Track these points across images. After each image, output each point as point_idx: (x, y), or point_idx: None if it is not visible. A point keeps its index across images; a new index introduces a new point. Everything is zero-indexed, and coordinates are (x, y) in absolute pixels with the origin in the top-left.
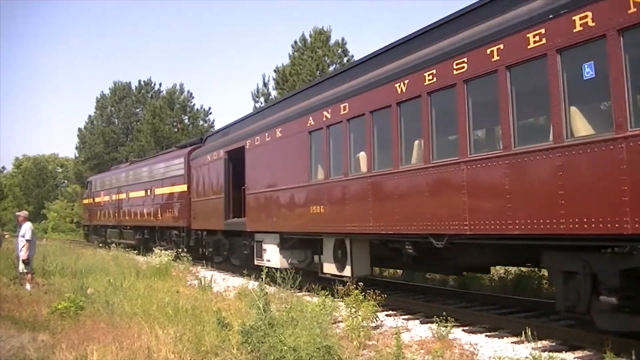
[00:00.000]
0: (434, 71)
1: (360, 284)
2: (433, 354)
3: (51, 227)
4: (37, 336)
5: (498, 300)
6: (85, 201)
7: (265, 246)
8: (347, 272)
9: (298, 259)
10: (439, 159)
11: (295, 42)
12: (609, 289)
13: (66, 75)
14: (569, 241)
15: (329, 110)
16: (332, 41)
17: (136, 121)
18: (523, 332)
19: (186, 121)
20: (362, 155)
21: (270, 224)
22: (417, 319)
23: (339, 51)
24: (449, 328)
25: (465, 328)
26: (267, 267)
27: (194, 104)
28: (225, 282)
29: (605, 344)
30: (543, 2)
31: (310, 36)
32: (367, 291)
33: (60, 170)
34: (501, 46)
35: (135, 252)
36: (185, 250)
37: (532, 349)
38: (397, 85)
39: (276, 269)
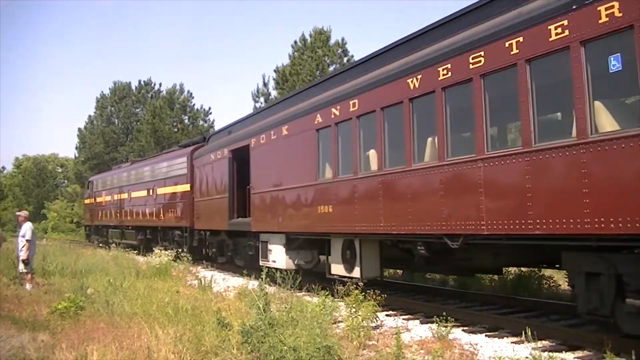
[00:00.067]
0: (449, 66)
1: (360, 284)
2: (433, 354)
3: (51, 227)
4: (37, 336)
5: (498, 300)
6: (87, 201)
7: (270, 247)
8: (356, 273)
9: (305, 260)
10: (454, 157)
11: (295, 42)
12: (636, 290)
13: (66, 75)
14: (595, 241)
15: (338, 107)
16: (332, 41)
17: (136, 121)
18: (523, 332)
19: (186, 121)
20: (372, 153)
21: (276, 224)
22: (417, 319)
23: (339, 51)
24: (449, 328)
25: (465, 328)
26: (272, 268)
27: (194, 104)
28: (225, 282)
29: (605, 344)
30: None
31: (310, 36)
32: (367, 291)
33: (60, 170)
34: (520, 39)
35: (135, 252)
36: (188, 250)
37: (532, 349)
38: (409, 80)
39: (282, 270)
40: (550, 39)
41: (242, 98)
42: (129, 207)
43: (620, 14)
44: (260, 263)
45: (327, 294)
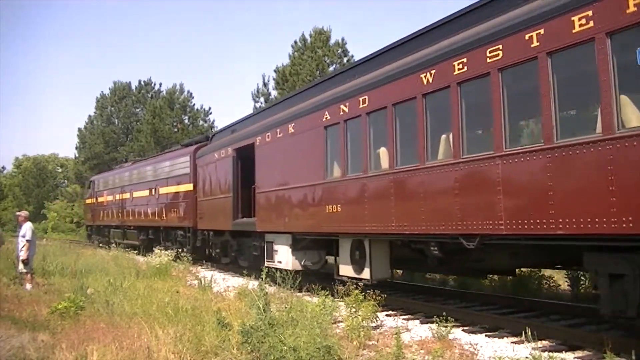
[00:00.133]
0: (465, 60)
1: (360, 283)
2: (433, 354)
3: (51, 227)
4: (37, 336)
5: (498, 300)
6: (88, 201)
7: (276, 247)
8: (366, 274)
9: (311, 261)
10: (471, 154)
11: (295, 42)
12: None
13: (66, 75)
14: (622, 242)
15: (347, 104)
16: (332, 41)
17: (136, 121)
18: (523, 332)
19: (186, 121)
20: (383, 151)
21: (282, 224)
22: (417, 319)
23: (339, 51)
24: (449, 328)
25: (465, 328)
26: (278, 269)
27: (194, 104)
28: (225, 282)
29: (605, 344)
30: None
31: (310, 36)
32: (367, 291)
33: (60, 170)
34: (541, 31)
35: (135, 252)
36: (191, 251)
37: (532, 349)
38: (422, 75)
39: (282, 270)
40: (573, 31)
41: (243, 98)
42: (131, 207)
43: None
44: (266, 264)
45: (327, 294)
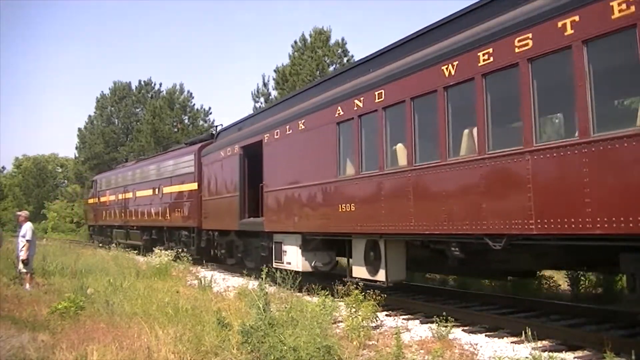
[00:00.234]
0: (491, 50)
1: (361, 283)
2: (433, 354)
3: (51, 227)
4: (37, 336)
5: (498, 300)
6: (90, 201)
7: (285, 248)
8: (381, 276)
9: (322, 262)
10: (497, 149)
11: (295, 42)
12: None
13: (66, 75)
14: None
15: (362, 99)
16: (332, 41)
17: (136, 121)
18: (523, 332)
19: (186, 121)
20: (401, 147)
21: (291, 224)
22: (417, 319)
23: (339, 51)
24: (449, 328)
25: (465, 328)
26: (287, 270)
27: (194, 104)
28: (225, 282)
29: (606, 344)
30: None
31: (310, 36)
32: (367, 291)
33: (60, 170)
34: (576, 18)
35: (135, 252)
36: (195, 251)
37: (532, 349)
38: (444, 67)
39: (298, 272)
40: (613, 17)
41: (243, 98)
42: (134, 207)
43: None
44: (274, 265)
45: (327, 294)
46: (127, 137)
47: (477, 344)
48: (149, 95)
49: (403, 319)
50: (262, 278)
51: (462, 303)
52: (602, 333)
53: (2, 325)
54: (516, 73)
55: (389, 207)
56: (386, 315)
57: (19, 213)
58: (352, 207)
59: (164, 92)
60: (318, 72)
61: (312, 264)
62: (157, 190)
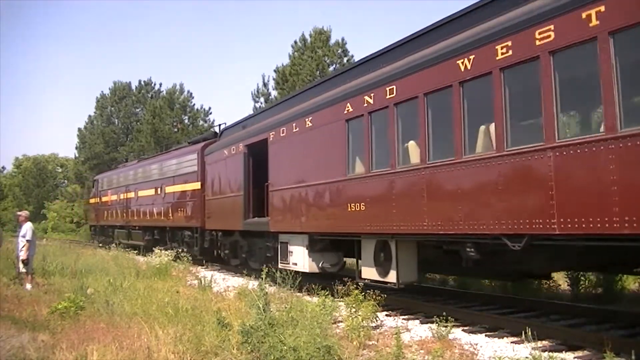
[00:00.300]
0: (509, 43)
1: (361, 283)
2: (433, 354)
3: (51, 227)
4: (37, 336)
5: (498, 300)
6: (92, 200)
7: (291, 248)
8: (392, 277)
9: (330, 263)
10: (516, 146)
11: (295, 42)
12: None
13: (66, 75)
14: None
15: (372, 95)
16: (332, 41)
17: (136, 121)
18: (523, 332)
19: (186, 121)
20: (413, 145)
21: (298, 224)
22: (417, 319)
23: (339, 51)
24: (449, 328)
25: (465, 328)
26: (294, 271)
27: (194, 104)
28: (225, 282)
29: (606, 344)
30: None
31: (310, 36)
32: (367, 291)
33: (60, 170)
34: (602, 8)
35: (135, 252)
36: (199, 252)
37: (532, 349)
38: (459, 62)
39: (304, 274)
40: None
41: (243, 98)
42: (136, 207)
43: None
44: (280, 265)
45: (327, 294)
46: (127, 137)
47: (477, 344)
48: (149, 95)
49: (403, 319)
50: (262, 278)
51: (462, 303)
52: (602, 333)
53: (2, 325)
54: (537, 66)
55: (401, 206)
56: (386, 315)
57: (19, 213)
58: (361, 206)
59: (164, 92)
60: (318, 72)
61: (320, 265)
62: (159, 189)
